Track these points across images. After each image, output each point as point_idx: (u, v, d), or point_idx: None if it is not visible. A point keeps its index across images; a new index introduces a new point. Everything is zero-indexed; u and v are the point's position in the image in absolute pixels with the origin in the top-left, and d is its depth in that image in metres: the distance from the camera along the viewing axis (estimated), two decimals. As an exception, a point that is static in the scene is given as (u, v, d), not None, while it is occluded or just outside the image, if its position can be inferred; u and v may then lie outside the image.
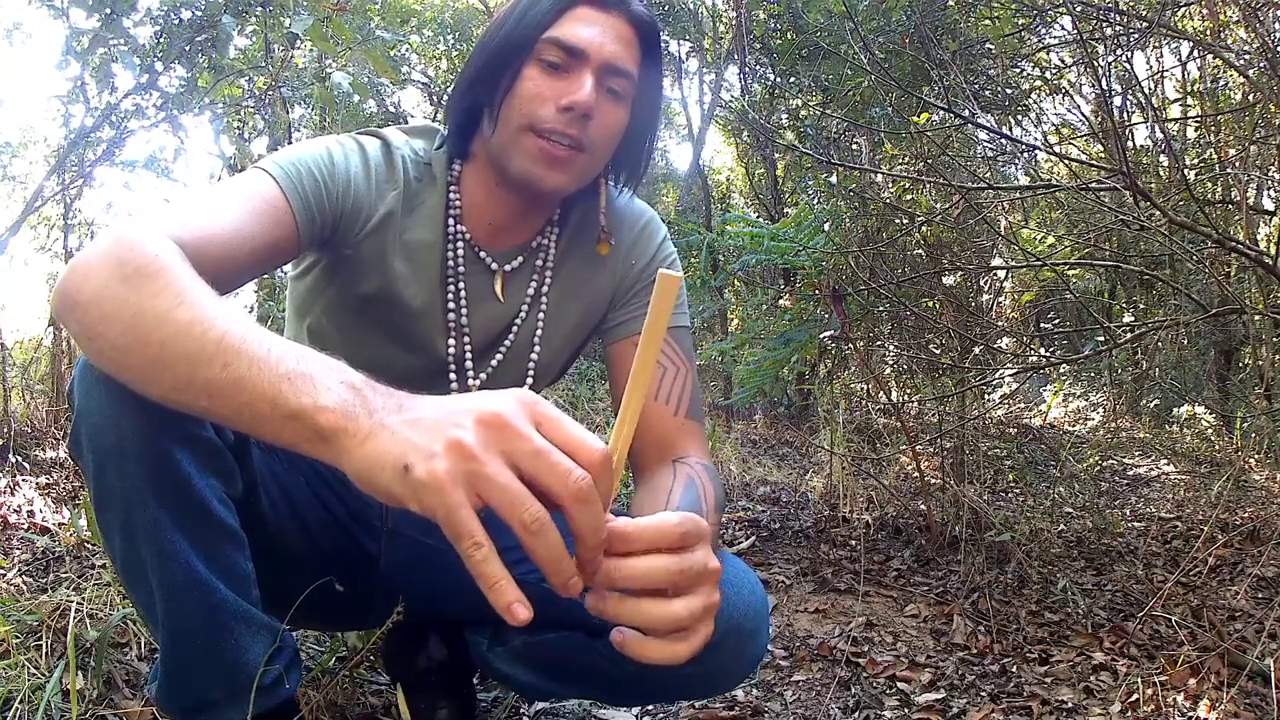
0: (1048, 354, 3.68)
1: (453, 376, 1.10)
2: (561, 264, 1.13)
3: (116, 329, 0.69)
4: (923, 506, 2.71)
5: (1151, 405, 5.68)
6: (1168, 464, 4.18)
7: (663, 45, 1.06)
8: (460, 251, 1.07)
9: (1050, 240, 4.29)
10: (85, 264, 0.72)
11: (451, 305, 1.07)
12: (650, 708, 1.49)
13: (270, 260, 0.94)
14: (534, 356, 1.13)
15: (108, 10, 2.72)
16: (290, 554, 1.04)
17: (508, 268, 1.10)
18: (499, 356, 1.12)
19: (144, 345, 0.67)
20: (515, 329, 1.11)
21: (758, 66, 7.04)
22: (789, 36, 6.17)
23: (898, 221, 3.29)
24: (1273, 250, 2.26)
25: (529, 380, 1.14)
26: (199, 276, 0.72)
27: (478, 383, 1.11)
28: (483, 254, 1.09)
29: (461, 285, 1.07)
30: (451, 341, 1.08)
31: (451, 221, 1.06)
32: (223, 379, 0.64)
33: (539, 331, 1.12)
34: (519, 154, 0.99)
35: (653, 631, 0.65)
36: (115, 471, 0.81)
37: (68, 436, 0.87)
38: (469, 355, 1.10)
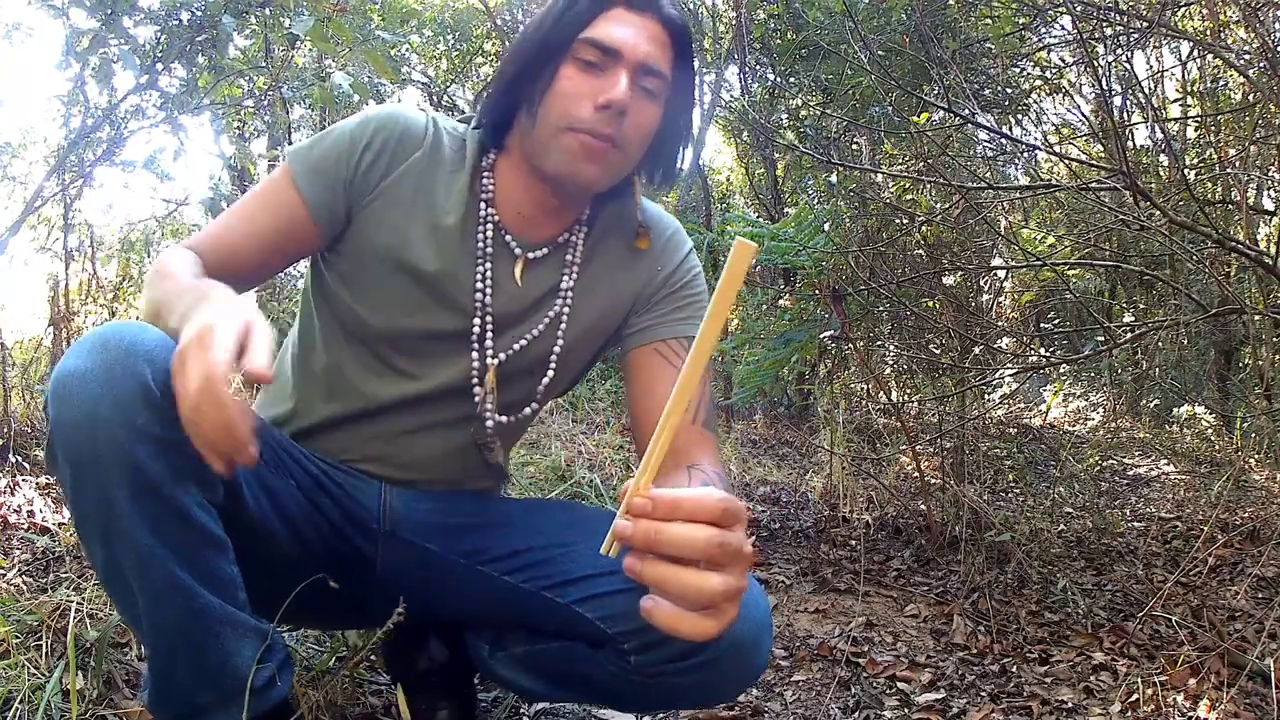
0: (1048, 354, 3.69)
1: (474, 353, 1.12)
2: (588, 262, 1.15)
3: (147, 312, 0.96)
4: (923, 506, 2.71)
5: (1151, 405, 5.68)
6: (1168, 464, 4.18)
7: (692, 44, 1.09)
8: (490, 233, 1.10)
9: (1050, 240, 4.29)
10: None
11: (479, 284, 1.10)
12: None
13: (287, 247, 1.09)
14: (557, 348, 1.15)
15: (108, 10, 2.72)
16: (283, 557, 1.04)
17: (531, 255, 1.12)
18: (522, 342, 1.13)
19: (154, 318, 0.92)
20: (545, 320, 1.14)
21: (758, 66, 7.03)
22: (789, 36, 6.16)
23: (898, 221, 3.29)
24: (1273, 250, 2.26)
25: (551, 370, 1.16)
26: (198, 270, 0.99)
27: (495, 362, 1.12)
28: (508, 238, 1.11)
29: (488, 266, 1.10)
30: (477, 320, 1.10)
31: (483, 205, 1.10)
32: (174, 329, 0.84)
33: (563, 326, 1.14)
34: (556, 151, 1.02)
35: (684, 602, 0.67)
36: (91, 481, 0.81)
37: (45, 450, 0.88)
38: (490, 333, 1.12)
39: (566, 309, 1.14)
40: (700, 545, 0.65)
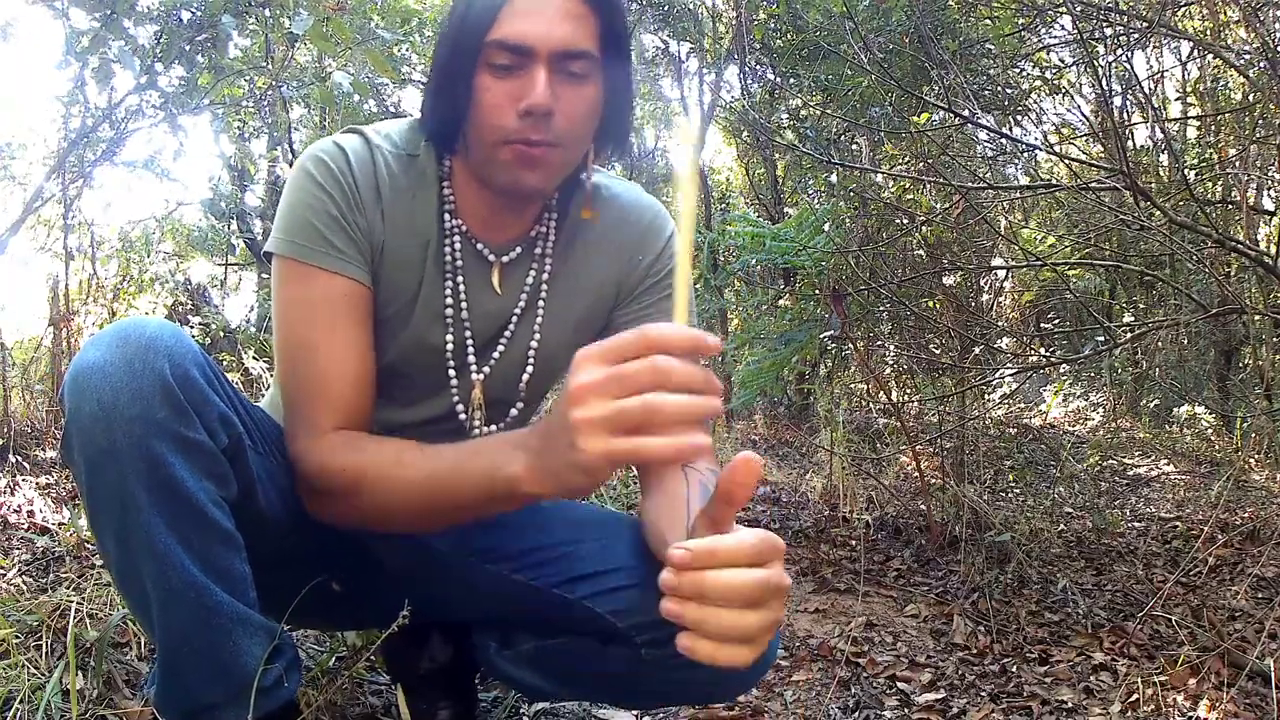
0: (1048, 354, 3.68)
1: (451, 372, 1.08)
2: (562, 252, 1.10)
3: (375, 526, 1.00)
4: (923, 506, 2.71)
5: (1151, 405, 5.68)
6: (1168, 464, 4.18)
7: (620, 3, 1.00)
8: (457, 245, 1.05)
9: (1050, 240, 4.29)
10: (306, 496, 0.99)
11: (449, 300, 1.05)
12: (650, 708, 1.49)
13: (369, 321, 1.03)
14: (533, 344, 1.11)
15: (108, 10, 2.72)
16: (291, 556, 1.03)
17: (505, 259, 1.08)
18: (500, 348, 1.10)
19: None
20: (515, 319, 1.10)
21: (758, 66, 7.03)
22: (789, 36, 6.16)
23: (898, 221, 3.29)
24: (1273, 250, 2.26)
25: (528, 370, 1.12)
26: (373, 444, 0.95)
27: (480, 376, 1.09)
28: (479, 245, 1.07)
29: (460, 279, 1.06)
30: (450, 336, 1.07)
31: (447, 216, 1.05)
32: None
33: (539, 320, 1.10)
34: (496, 166, 0.97)
35: (723, 640, 0.66)
36: (107, 475, 0.81)
37: (60, 443, 0.88)
38: (470, 349, 1.08)
39: (541, 300, 1.10)
40: (744, 592, 0.64)
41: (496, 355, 1.10)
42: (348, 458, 0.94)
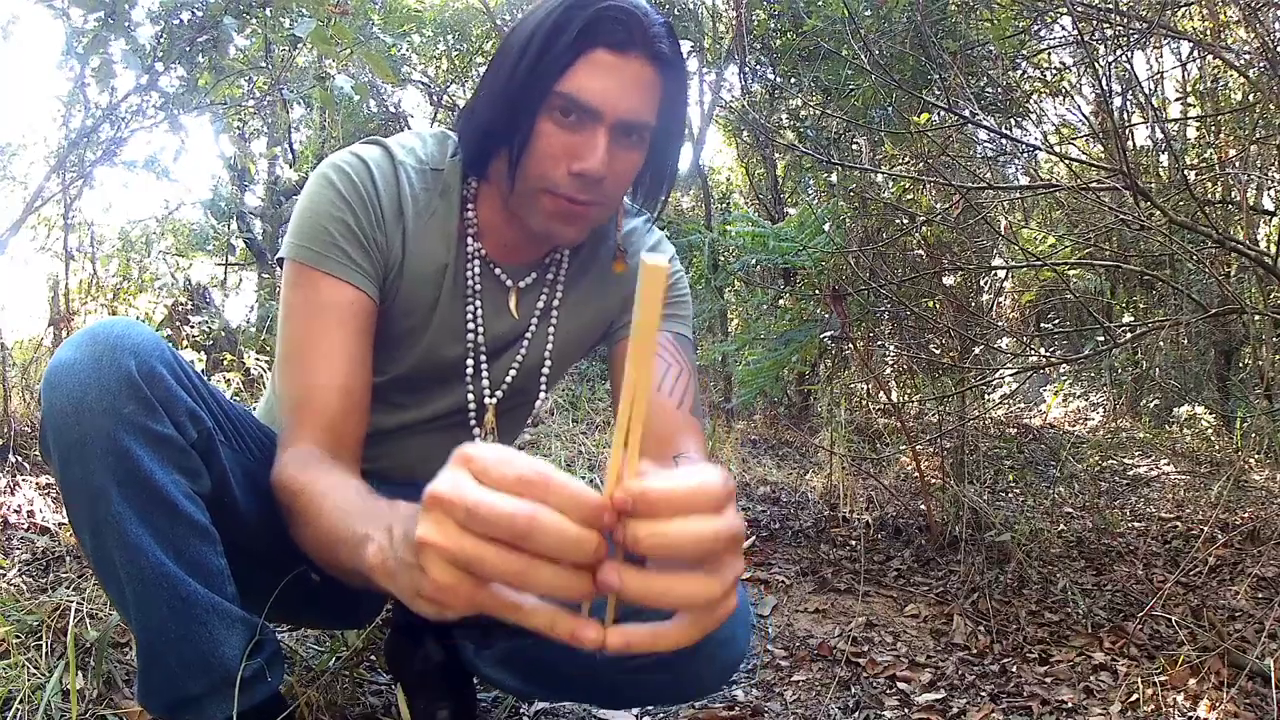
0: (1048, 354, 3.68)
1: (470, 395, 1.12)
2: (573, 278, 1.14)
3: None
4: (923, 506, 2.71)
5: (1151, 405, 5.67)
6: (1168, 464, 4.18)
7: (686, 74, 1.01)
8: (477, 269, 1.08)
9: (1050, 240, 4.28)
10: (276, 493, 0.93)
11: (469, 321, 1.08)
12: (650, 708, 1.49)
13: (371, 334, 1.02)
14: (545, 370, 1.15)
15: (108, 10, 2.72)
16: (271, 552, 1.03)
17: (522, 284, 1.11)
18: (514, 371, 1.13)
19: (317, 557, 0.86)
20: (527, 343, 1.13)
21: (758, 66, 7.03)
22: (789, 36, 6.16)
23: (898, 221, 3.29)
24: (1273, 250, 2.26)
25: (541, 392, 1.16)
26: (321, 471, 0.89)
27: (494, 401, 1.13)
28: (498, 270, 1.10)
29: (479, 303, 1.08)
30: (469, 356, 1.10)
31: (469, 239, 1.07)
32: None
33: (549, 345, 1.14)
34: (536, 212, 0.99)
35: (684, 609, 0.54)
36: (78, 468, 0.82)
37: (39, 439, 0.89)
38: (485, 364, 1.11)
39: (551, 327, 1.13)
40: (708, 544, 0.51)
41: (510, 378, 1.14)
42: (292, 474, 0.91)
